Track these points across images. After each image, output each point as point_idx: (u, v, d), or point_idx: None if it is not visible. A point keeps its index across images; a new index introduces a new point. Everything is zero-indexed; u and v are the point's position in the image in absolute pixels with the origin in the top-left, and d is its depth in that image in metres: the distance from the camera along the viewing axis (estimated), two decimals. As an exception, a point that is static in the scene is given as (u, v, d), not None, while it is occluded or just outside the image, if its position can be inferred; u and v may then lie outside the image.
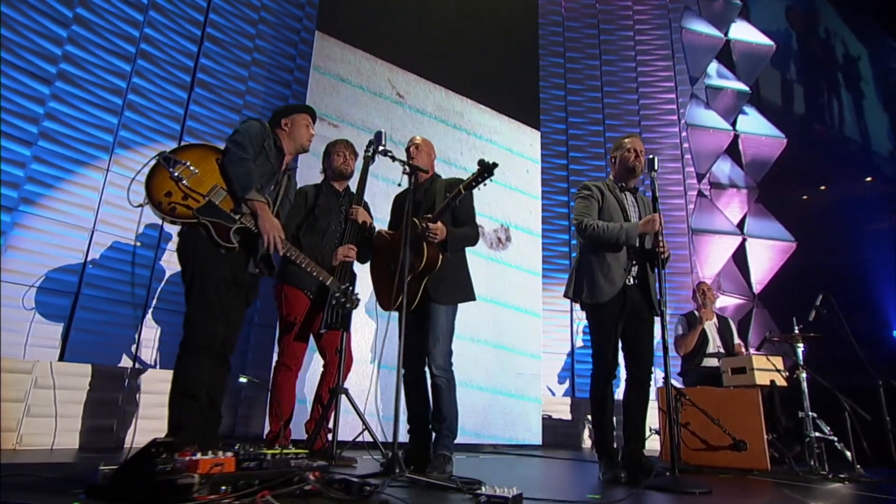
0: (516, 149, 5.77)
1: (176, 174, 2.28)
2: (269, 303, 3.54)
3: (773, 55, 6.73)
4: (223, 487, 1.58)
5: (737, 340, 4.50)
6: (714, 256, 5.77)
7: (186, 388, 2.23)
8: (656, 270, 2.95)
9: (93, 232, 3.62)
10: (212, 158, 2.40)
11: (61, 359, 3.36)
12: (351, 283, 2.84)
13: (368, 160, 3.03)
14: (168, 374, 3.38)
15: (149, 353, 3.70)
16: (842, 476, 3.26)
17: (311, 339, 3.09)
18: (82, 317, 3.51)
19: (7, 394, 2.93)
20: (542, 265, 5.75)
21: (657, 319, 2.94)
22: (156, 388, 3.41)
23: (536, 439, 5.08)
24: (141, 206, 2.27)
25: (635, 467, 2.67)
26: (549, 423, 5.39)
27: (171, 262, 3.87)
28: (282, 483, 1.71)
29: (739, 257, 5.99)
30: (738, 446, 3.35)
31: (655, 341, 2.96)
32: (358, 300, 2.71)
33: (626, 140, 3.09)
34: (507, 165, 5.55)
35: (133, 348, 3.62)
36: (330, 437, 2.68)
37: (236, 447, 1.78)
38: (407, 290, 2.80)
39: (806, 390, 3.76)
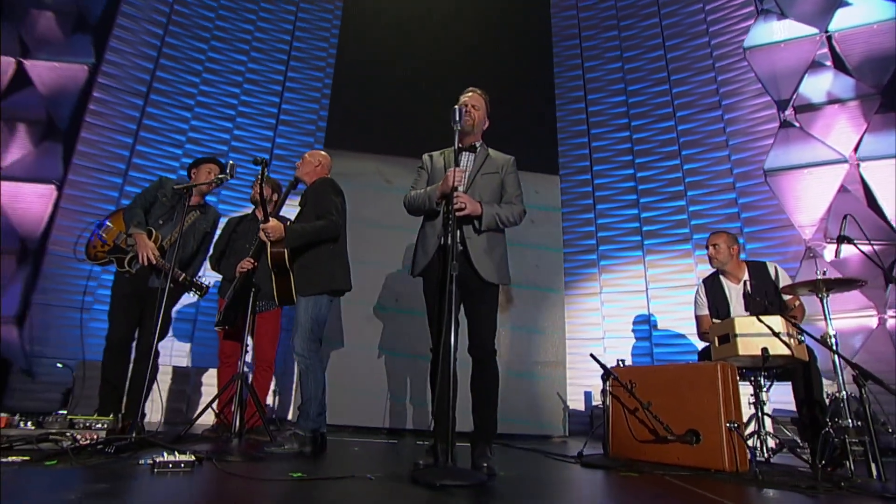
0: None
1: (98, 232, 2.94)
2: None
3: None
4: (-6, 438, 1.99)
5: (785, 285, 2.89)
6: (811, 197, 3.91)
7: (103, 375, 2.78)
8: (496, 233, 2.39)
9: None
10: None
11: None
12: (246, 290, 3.03)
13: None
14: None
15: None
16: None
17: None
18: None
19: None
20: (566, 311, 4.60)
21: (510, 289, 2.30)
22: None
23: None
24: (83, 260, 3.00)
25: (475, 461, 2.11)
26: (598, 413, 4.37)
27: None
28: (36, 439, 2.03)
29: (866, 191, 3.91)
30: (671, 436, 2.26)
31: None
32: (206, 288, 2.93)
33: (463, 96, 2.55)
34: None
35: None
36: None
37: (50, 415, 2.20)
38: (279, 287, 2.91)
39: (839, 361, 2.32)
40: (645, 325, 5.02)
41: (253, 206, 3.50)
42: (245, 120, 5.63)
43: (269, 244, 2.77)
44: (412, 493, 1.60)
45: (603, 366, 2.61)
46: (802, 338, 2.41)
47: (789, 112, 4.25)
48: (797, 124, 4.19)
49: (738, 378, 2.40)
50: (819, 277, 2.42)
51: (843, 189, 3.95)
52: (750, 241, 4.63)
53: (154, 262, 2.82)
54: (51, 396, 4.19)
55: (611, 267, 5.32)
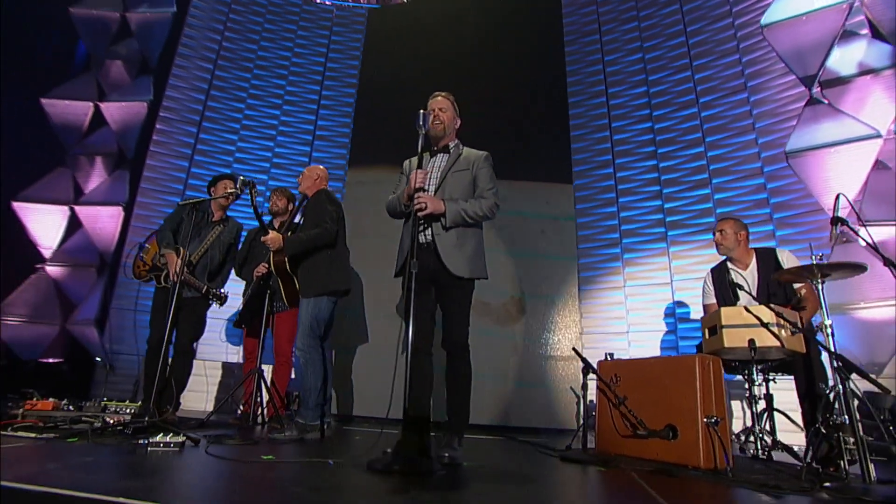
0: (527, 210, 4.69)
1: (140, 255, 3.28)
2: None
3: None
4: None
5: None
6: (840, 177, 3.49)
7: (146, 371, 3.09)
8: (465, 230, 2.36)
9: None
10: (160, 237, 3.34)
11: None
12: (262, 293, 3.24)
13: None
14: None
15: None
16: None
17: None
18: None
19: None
20: (580, 316, 4.47)
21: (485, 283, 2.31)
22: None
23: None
24: (132, 278, 3.36)
25: (438, 451, 2.13)
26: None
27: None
28: (70, 420, 2.32)
29: (908, 167, 3.43)
30: (642, 431, 2.14)
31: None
32: (224, 297, 3.15)
33: (429, 102, 2.56)
34: (516, 231, 4.58)
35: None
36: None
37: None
38: (286, 290, 3.09)
39: (833, 350, 2.08)
40: (671, 319, 4.72)
41: (271, 217, 3.73)
42: (284, 138, 5.98)
43: (271, 253, 2.96)
44: (351, 477, 1.66)
45: (584, 360, 2.52)
46: (791, 330, 2.19)
47: (815, 89, 3.82)
48: (825, 101, 3.76)
49: (722, 371, 2.22)
50: (814, 262, 2.18)
51: (880, 165, 3.50)
52: (780, 227, 4.21)
53: (179, 277, 3.10)
54: (125, 387, 4.72)
55: (635, 260, 5.05)
